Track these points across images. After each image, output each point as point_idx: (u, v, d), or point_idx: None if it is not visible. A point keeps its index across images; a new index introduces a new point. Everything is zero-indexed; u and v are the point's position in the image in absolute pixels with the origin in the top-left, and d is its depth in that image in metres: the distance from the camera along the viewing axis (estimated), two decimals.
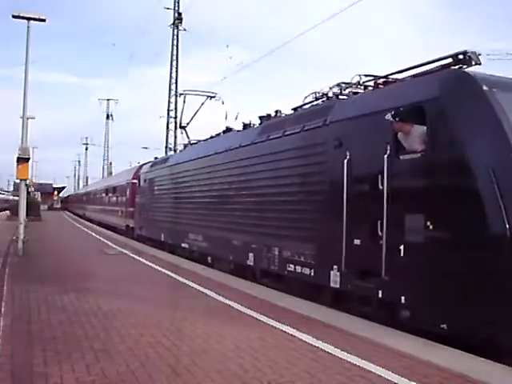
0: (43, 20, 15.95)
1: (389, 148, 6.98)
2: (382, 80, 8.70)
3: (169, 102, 37.17)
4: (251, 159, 11.32)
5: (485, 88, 6.25)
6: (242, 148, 11.92)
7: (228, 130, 14.85)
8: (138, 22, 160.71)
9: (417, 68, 7.79)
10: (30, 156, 16.58)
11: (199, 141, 17.47)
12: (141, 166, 25.33)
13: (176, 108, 35.73)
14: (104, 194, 37.89)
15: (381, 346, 5.84)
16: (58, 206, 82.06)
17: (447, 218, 6.12)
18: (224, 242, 12.29)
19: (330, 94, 9.62)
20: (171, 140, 36.75)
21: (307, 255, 8.77)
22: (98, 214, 40.30)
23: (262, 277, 10.66)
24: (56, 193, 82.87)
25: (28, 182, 25.51)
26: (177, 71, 37.05)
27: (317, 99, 10.04)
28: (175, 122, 35.52)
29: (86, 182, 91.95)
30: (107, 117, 74.65)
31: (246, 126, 13.27)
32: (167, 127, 37.24)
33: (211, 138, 15.90)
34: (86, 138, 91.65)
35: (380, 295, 7.00)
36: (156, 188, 19.70)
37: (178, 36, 36.85)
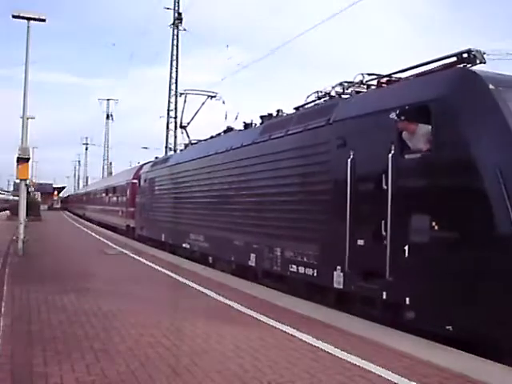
0: (43, 20, 15.93)
1: (393, 147, 6.90)
2: (385, 79, 8.65)
3: (169, 101, 37.19)
4: (252, 159, 11.25)
5: (491, 87, 6.17)
6: (243, 148, 11.85)
7: (229, 129, 14.79)
8: (138, 22, 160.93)
9: (420, 67, 7.72)
10: (30, 156, 16.56)
11: (200, 140, 17.42)
12: (141, 166, 25.28)
13: (176, 108, 35.77)
14: (104, 194, 37.84)
15: (381, 346, 5.83)
16: (58, 206, 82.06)
17: (453, 218, 6.04)
18: (225, 242, 12.22)
19: (333, 93, 9.57)
20: (171, 140, 36.79)
21: (310, 256, 8.69)
22: (98, 214, 40.25)
23: (264, 277, 10.59)
24: (56, 193, 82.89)
25: (28, 181, 25.48)
26: (177, 71, 37.08)
27: (319, 98, 9.98)
28: (175, 122, 35.54)
29: (86, 182, 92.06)
30: (107, 117, 74.75)
31: (247, 126, 13.21)
32: (167, 127, 37.25)
33: (212, 137, 15.85)
34: (86, 138, 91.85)
35: (384, 296, 6.92)
36: (157, 188, 19.62)
37: (178, 36, 36.89)
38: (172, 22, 36.76)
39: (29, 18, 15.70)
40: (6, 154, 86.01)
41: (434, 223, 6.18)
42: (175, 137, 35.92)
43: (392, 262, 6.74)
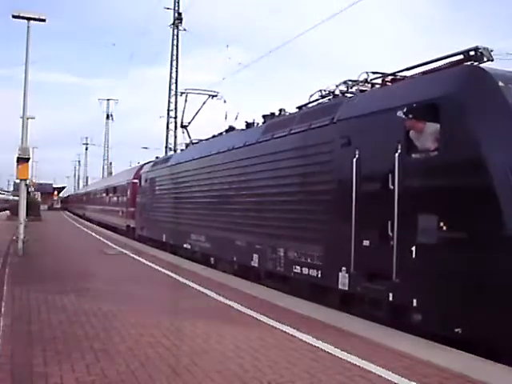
0: (43, 20, 15.93)
1: (400, 146, 6.77)
2: (390, 77, 8.54)
3: (169, 101, 37.13)
4: (254, 158, 11.15)
5: (501, 84, 6.07)
6: (246, 147, 11.74)
7: (231, 129, 14.70)
8: (138, 22, 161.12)
9: (426, 65, 7.61)
10: (30, 156, 16.56)
11: (201, 140, 17.32)
12: (142, 166, 25.21)
13: (176, 108, 35.74)
14: (104, 194, 37.77)
15: (381, 346, 5.81)
16: (58, 206, 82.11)
17: (462, 218, 5.92)
18: (227, 242, 12.11)
19: (337, 92, 9.45)
20: (171, 140, 36.74)
21: (314, 256, 8.56)
22: (98, 214, 40.21)
23: (267, 278, 10.48)
24: (56, 193, 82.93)
25: (28, 182, 25.42)
26: (177, 71, 37.01)
27: (323, 97, 9.87)
28: (175, 122, 35.57)
29: (86, 182, 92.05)
30: (107, 117, 74.72)
31: (249, 125, 13.10)
32: (167, 127, 37.20)
33: (213, 137, 15.74)
34: (86, 138, 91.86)
35: (390, 298, 6.79)
36: (157, 188, 19.52)
37: (177, 36, 36.84)
38: (172, 22, 36.74)
39: (29, 18, 15.70)
40: (6, 154, 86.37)
41: (441, 223, 6.06)
42: (175, 137, 35.94)
43: (399, 263, 6.62)
